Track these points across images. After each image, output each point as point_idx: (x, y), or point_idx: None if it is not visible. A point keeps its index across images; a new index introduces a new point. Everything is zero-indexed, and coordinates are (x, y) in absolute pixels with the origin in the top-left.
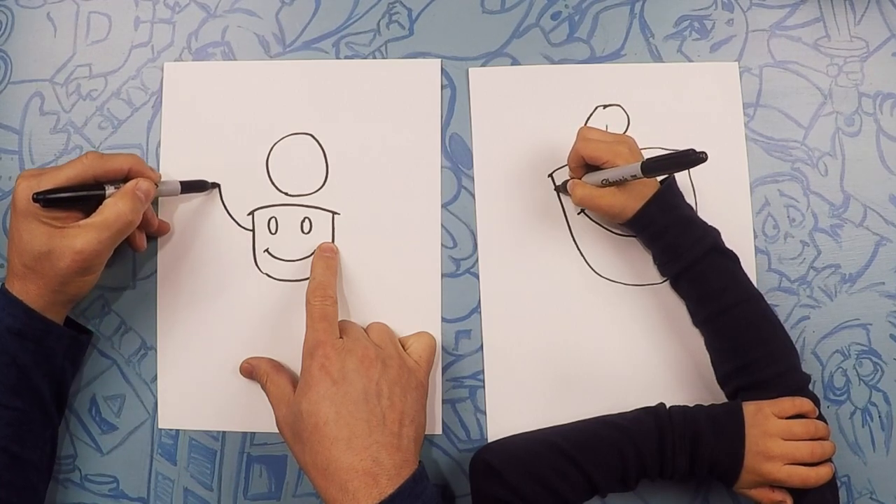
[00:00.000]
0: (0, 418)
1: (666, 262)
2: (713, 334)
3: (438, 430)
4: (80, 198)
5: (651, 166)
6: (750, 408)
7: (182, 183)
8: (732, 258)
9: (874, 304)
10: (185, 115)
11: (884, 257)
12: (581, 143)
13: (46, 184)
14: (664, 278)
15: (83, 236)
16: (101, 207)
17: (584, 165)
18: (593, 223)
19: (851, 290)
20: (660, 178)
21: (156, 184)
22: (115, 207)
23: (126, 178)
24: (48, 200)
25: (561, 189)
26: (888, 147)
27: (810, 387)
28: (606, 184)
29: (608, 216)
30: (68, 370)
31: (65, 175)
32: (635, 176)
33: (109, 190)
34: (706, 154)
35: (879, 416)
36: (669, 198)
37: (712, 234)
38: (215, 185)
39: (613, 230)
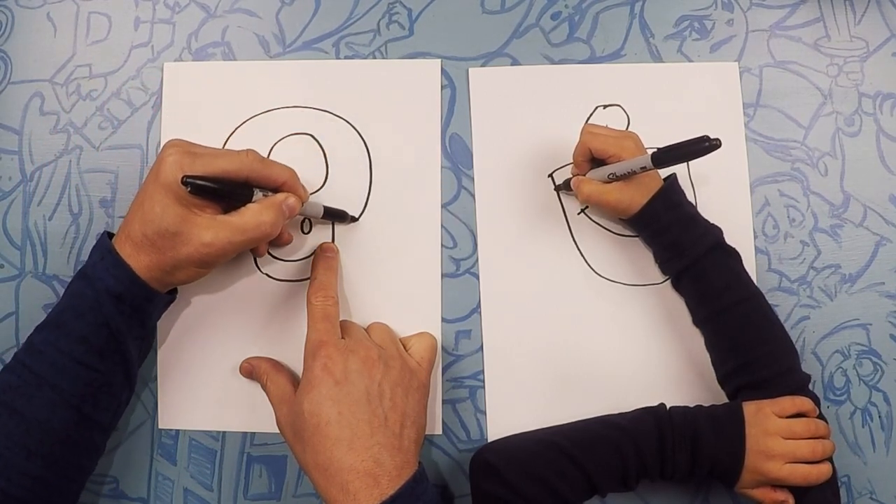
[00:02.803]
0: (80, 377)
1: (668, 260)
2: (714, 333)
3: (438, 431)
4: (228, 193)
5: (663, 156)
6: (750, 407)
7: (325, 208)
8: (735, 256)
9: (874, 304)
10: (185, 116)
11: (884, 257)
12: (588, 137)
13: (200, 168)
14: (665, 277)
15: (216, 231)
16: (243, 209)
17: (589, 160)
18: (593, 223)
19: (851, 290)
20: (664, 176)
21: (302, 202)
22: (259, 216)
23: (276, 189)
24: (197, 187)
25: (561, 188)
26: (888, 147)
27: (810, 386)
28: (613, 178)
29: (615, 212)
30: (155, 328)
31: (221, 166)
32: (644, 168)
33: (257, 195)
34: (720, 141)
35: (879, 416)
36: (672, 195)
37: (714, 232)
38: (354, 220)
39: (613, 230)
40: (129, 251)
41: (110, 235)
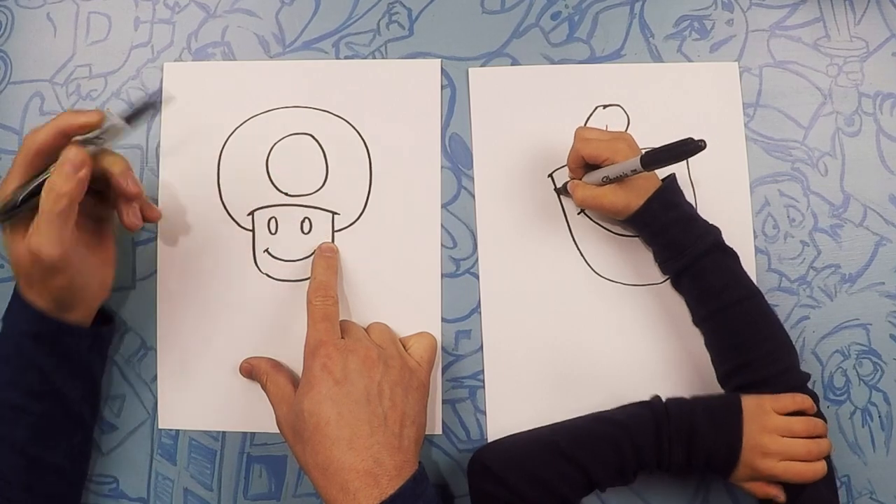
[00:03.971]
0: (18, 422)
1: (667, 260)
2: (713, 332)
3: (438, 431)
4: (31, 200)
5: (650, 159)
6: (750, 402)
7: (127, 118)
8: (733, 256)
9: (874, 304)
10: (185, 115)
11: (884, 257)
12: (580, 144)
13: None
14: (664, 277)
15: (34, 235)
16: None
17: (584, 166)
18: (593, 223)
19: (851, 290)
20: (662, 177)
21: (100, 136)
22: (50, 193)
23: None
24: (4, 217)
25: (561, 191)
26: (888, 147)
27: (809, 386)
28: (607, 181)
29: (611, 214)
30: (96, 363)
31: (10, 186)
32: (636, 170)
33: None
34: (704, 142)
35: (879, 416)
36: (670, 195)
37: (713, 232)
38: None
39: (613, 230)
40: (27, 291)
41: None
